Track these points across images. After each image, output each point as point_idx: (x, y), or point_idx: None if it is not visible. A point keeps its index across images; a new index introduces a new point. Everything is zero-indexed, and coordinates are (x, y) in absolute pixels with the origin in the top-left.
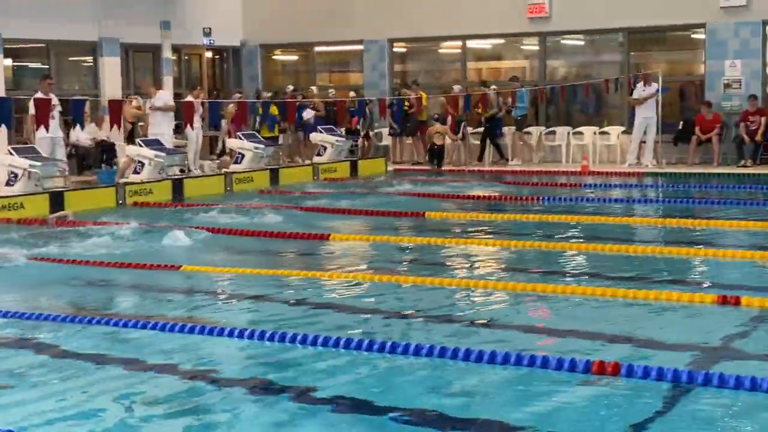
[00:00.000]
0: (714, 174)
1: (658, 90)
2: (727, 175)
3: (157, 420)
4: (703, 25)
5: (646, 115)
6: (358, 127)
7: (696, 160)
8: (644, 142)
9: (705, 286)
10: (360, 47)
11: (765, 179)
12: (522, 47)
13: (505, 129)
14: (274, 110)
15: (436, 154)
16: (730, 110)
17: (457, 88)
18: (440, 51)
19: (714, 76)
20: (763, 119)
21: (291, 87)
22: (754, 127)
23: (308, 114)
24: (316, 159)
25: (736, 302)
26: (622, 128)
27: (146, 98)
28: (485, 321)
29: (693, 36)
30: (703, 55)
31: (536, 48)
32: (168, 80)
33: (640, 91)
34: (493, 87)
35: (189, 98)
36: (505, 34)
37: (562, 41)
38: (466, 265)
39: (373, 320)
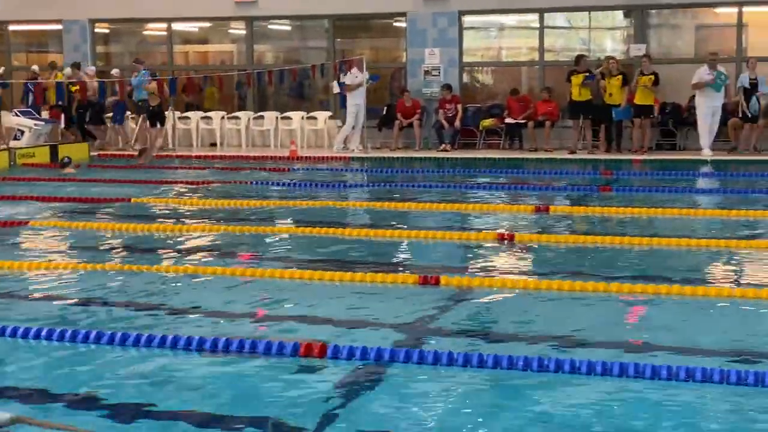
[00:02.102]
0: (416, 158)
1: (371, 77)
2: (429, 159)
3: None
4: (404, 14)
5: (357, 102)
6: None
7: (399, 145)
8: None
9: (407, 267)
10: (59, 27)
11: (462, 163)
12: (229, 31)
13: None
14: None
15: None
16: (431, 97)
17: (115, 71)
18: (145, 33)
19: (415, 63)
20: (459, 106)
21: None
22: (450, 114)
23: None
24: (13, 143)
25: (436, 282)
26: (329, 113)
27: None
28: (194, 307)
29: (395, 24)
30: (405, 43)
31: (243, 32)
32: None
33: (352, 78)
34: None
35: None
36: (211, 18)
37: (269, 26)
38: (174, 252)
39: (71, 309)
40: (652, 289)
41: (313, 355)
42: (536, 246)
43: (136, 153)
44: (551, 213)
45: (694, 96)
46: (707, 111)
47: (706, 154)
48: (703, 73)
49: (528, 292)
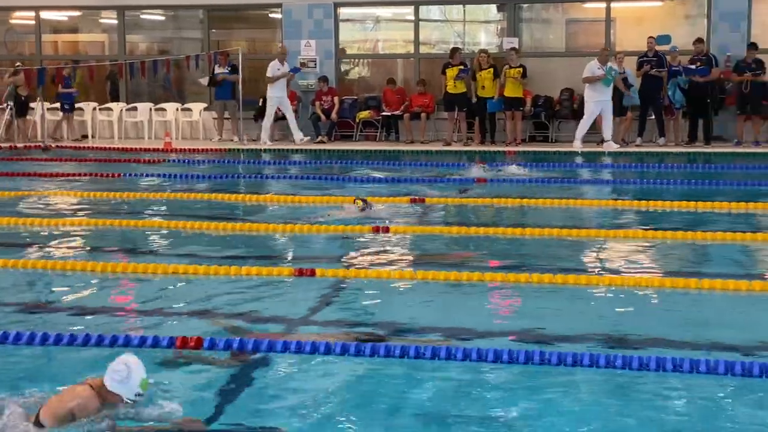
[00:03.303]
0: (293, 150)
1: (293, 69)
2: (305, 150)
3: None
4: (279, 5)
5: (279, 95)
6: None
7: (276, 136)
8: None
9: (283, 259)
10: None
11: (338, 154)
12: (100, 21)
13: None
14: None
15: None
16: (307, 88)
17: None
18: (13, 21)
19: (291, 55)
20: (335, 98)
21: None
22: (327, 106)
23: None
24: None
25: (312, 274)
26: (204, 105)
27: None
28: (71, 305)
29: (271, 15)
30: (281, 34)
31: (115, 22)
32: None
33: (275, 69)
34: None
35: None
36: (81, 6)
37: (141, 16)
38: (48, 246)
39: None
40: (524, 278)
41: (188, 348)
42: (411, 237)
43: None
44: (427, 204)
45: (566, 89)
46: (595, 106)
47: (577, 146)
48: (594, 67)
49: (403, 283)
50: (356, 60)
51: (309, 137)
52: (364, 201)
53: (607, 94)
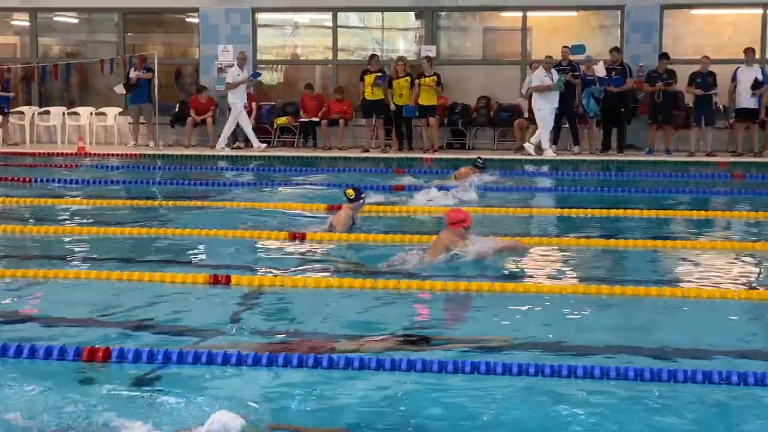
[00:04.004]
0: (210, 156)
1: (252, 75)
2: (222, 156)
3: None
4: (196, 10)
5: (241, 101)
6: None
7: (193, 142)
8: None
9: (198, 266)
10: None
11: (256, 160)
12: (12, 23)
13: None
14: None
15: None
16: (224, 93)
17: None
18: None
19: (208, 60)
20: (253, 104)
21: None
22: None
23: None
24: None
25: (227, 281)
26: (120, 109)
27: None
28: None
29: (188, 20)
30: (198, 39)
31: (27, 24)
32: None
33: (235, 75)
34: None
35: None
36: None
37: (54, 18)
38: None
39: None
40: (440, 285)
41: (96, 360)
42: (328, 244)
43: None
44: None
45: (483, 97)
46: (547, 112)
47: (549, 154)
48: (542, 76)
49: (319, 291)
50: (274, 66)
51: (266, 144)
52: (357, 190)
53: (555, 101)
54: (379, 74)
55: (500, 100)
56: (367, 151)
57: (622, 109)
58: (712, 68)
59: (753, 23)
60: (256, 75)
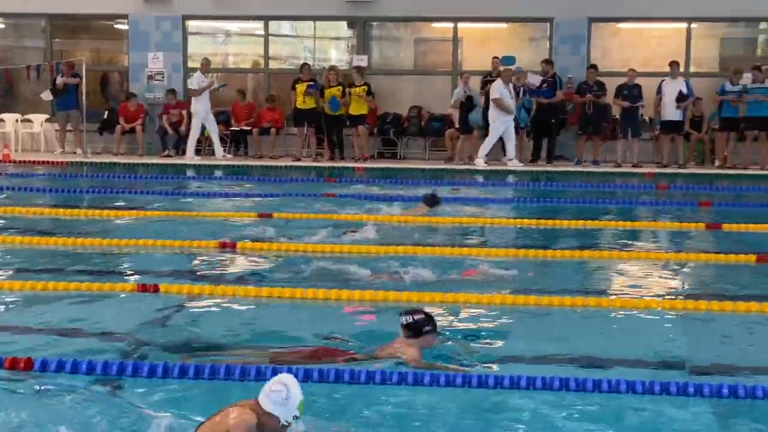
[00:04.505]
0: (139, 164)
1: (221, 85)
2: (152, 164)
3: None
4: (125, 16)
5: (204, 107)
6: None
7: (122, 150)
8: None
9: (126, 275)
10: None
11: (186, 169)
12: None
13: None
14: None
15: None
16: (154, 101)
17: None
18: None
19: (137, 67)
20: (183, 112)
21: None
22: (175, 119)
23: None
24: None
25: (155, 290)
26: (46, 116)
27: None
28: None
29: (117, 26)
30: (127, 45)
31: None
32: None
33: (199, 81)
34: None
35: None
36: None
37: None
38: None
39: None
40: (370, 295)
41: (18, 369)
42: (258, 254)
43: None
44: (275, 219)
45: (415, 106)
46: (501, 125)
47: (481, 164)
48: (500, 88)
49: (249, 300)
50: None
51: (230, 154)
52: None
53: (513, 114)
54: (311, 83)
55: (432, 110)
56: (298, 159)
57: (553, 121)
58: (639, 81)
59: (678, 37)
60: (221, 85)
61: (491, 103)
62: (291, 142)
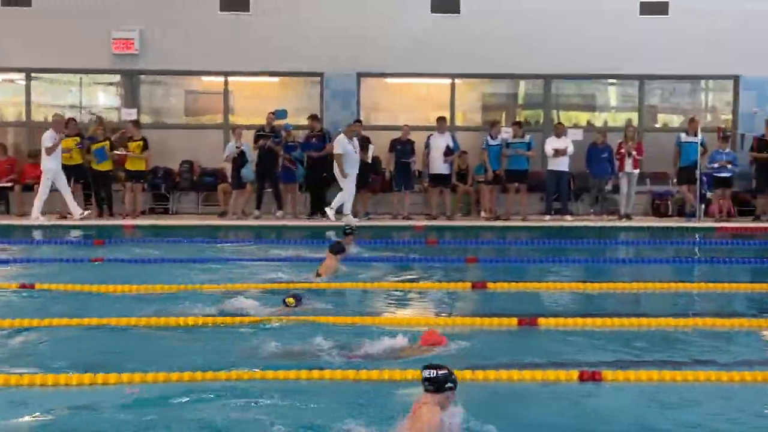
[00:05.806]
0: None
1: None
2: None
3: None
4: None
5: (55, 167)
6: None
7: None
8: None
9: None
10: None
11: None
12: None
13: None
14: None
15: None
16: None
17: None
18: None
19: None
20: None
21: None
22: None
23: None
24: None
25: None
26: None
27: None
28: None
29: None
30: None
31: None
32: None
33: (52, 139)
34: None
35: None
36: None
37: None
38: None
39: None
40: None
41: None
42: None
43: None
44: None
45: (186, 161)
46: (351, 179)
47: (353, 221)
48: (344, 143)
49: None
50: None
51: (89, 211)
52: (296, 298)
53: (357, 166)
54: (79, 141)
55: (204, 165)
56: (64, 218)
57: (324, 174)
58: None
59: (443, 93)
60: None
61: (335, 159)
62: (57, 198)
